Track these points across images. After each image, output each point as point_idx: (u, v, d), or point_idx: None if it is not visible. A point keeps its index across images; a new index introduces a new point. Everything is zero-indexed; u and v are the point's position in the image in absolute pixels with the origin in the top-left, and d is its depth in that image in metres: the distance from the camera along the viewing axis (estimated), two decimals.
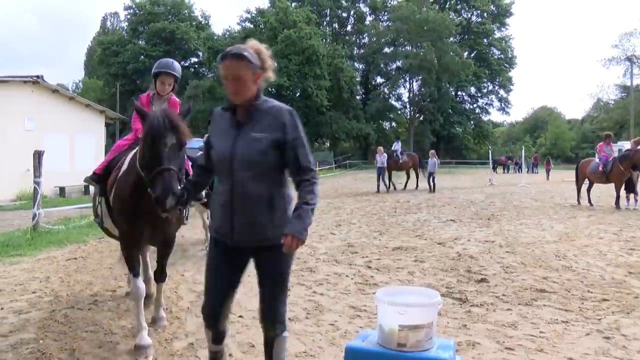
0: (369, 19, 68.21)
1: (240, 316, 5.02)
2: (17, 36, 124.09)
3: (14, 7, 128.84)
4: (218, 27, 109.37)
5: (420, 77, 58.71)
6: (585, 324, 4.77)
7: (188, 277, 6.78)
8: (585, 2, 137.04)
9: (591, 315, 5.00)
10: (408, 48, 58.97)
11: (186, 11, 67.83)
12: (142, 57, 60.75)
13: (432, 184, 22.35)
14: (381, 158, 22.06)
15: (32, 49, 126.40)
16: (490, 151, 37.51)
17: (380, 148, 23.11)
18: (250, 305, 5.34)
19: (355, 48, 67.38)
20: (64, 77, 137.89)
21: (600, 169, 15.38)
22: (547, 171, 37.55)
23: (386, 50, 62.82)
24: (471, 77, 60.40)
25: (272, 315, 2.91)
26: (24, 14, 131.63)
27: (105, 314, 5.17)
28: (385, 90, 65.14)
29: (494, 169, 41.81)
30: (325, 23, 65.88)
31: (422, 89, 60.04)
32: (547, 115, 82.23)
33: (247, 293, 5.52)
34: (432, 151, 24.59)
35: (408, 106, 65.17)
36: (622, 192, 15.27)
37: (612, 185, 15.54)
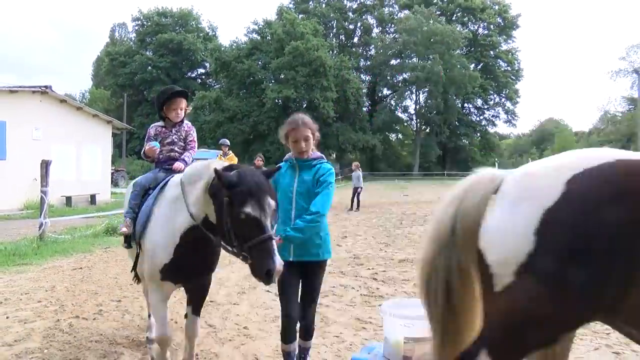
0: (375, 31, 68.34)
1: (245, 327, 5.02)
2: (27, 47, 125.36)
3: (24, 18, 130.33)
4: (225, 39, 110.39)
5: (427, 89, 58.72)
6: (594, 338, 4.71)
7: None
8: (591, 14, 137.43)
9: (599, 330, 4.93)
10: (415, 60, 58.93)
11: (193, 22, 68.27)
12: (149, 67, 61.17)
13: (357, 200, 19.37)
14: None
15: (42, 60, 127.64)
16: (496, 163, 37.46)
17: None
18: (256, 317, 5.35)
19: (362, 60, 67.41)
20: (72, 87, 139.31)
21: None
22: None
23: (393, 62, 62.94)
24: (478, 89, 60.28)
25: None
26: (35, 26, 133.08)
27: (110, 324, 5.16)
28: (392, 102, 65.08)
29: None
30: (332, 35, 66.08)
31: (429, 101, 59.95)
32: (554, 128, 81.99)
33: (252, 306, 5.53)
34: (356, 163, 21.85)
35: (414, 118, 65.10)
36: None
37: None
